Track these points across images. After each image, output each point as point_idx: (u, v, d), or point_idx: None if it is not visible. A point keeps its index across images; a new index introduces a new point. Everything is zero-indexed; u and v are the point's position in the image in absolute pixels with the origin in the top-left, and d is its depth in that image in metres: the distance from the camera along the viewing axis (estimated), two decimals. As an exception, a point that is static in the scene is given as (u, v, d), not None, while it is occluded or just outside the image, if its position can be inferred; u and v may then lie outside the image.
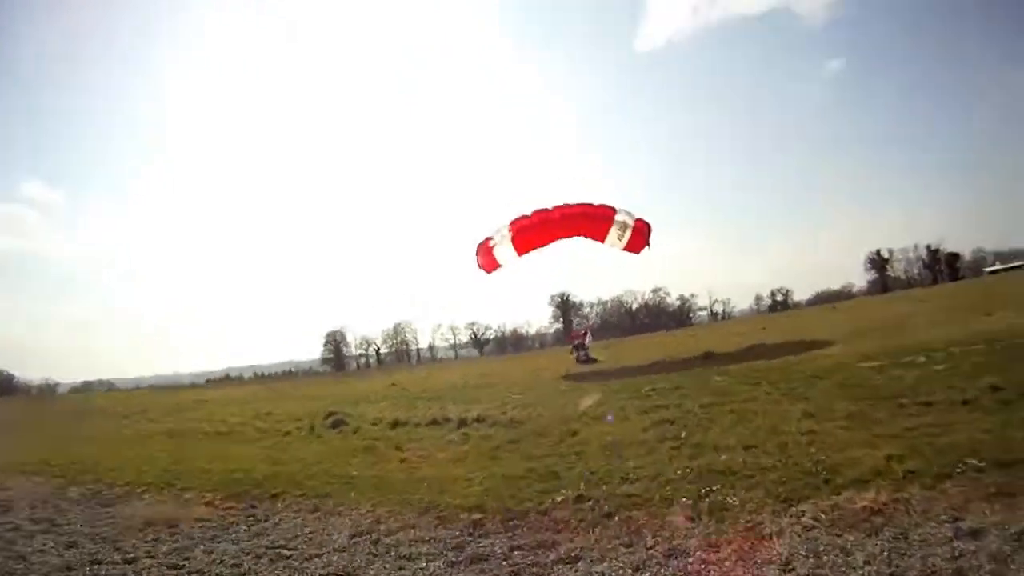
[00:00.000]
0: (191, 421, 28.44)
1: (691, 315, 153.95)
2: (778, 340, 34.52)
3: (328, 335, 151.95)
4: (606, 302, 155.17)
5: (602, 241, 31.65)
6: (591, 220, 31.23)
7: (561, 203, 31.15)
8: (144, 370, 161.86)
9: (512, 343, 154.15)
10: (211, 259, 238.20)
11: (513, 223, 31.51)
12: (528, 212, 31.30)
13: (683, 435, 13.59)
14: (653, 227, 32.37)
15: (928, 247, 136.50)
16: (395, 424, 20.17)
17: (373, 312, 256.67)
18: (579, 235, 31.74)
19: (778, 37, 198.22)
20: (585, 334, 41.21)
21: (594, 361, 37.45)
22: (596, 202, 31.71)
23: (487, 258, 32.68)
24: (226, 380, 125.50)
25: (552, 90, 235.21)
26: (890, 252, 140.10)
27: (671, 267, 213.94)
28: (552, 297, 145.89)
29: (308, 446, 18.85)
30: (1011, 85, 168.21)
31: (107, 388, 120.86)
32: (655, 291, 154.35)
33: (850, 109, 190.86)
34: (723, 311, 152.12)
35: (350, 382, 54.68)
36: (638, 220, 31.50)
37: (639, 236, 31.70)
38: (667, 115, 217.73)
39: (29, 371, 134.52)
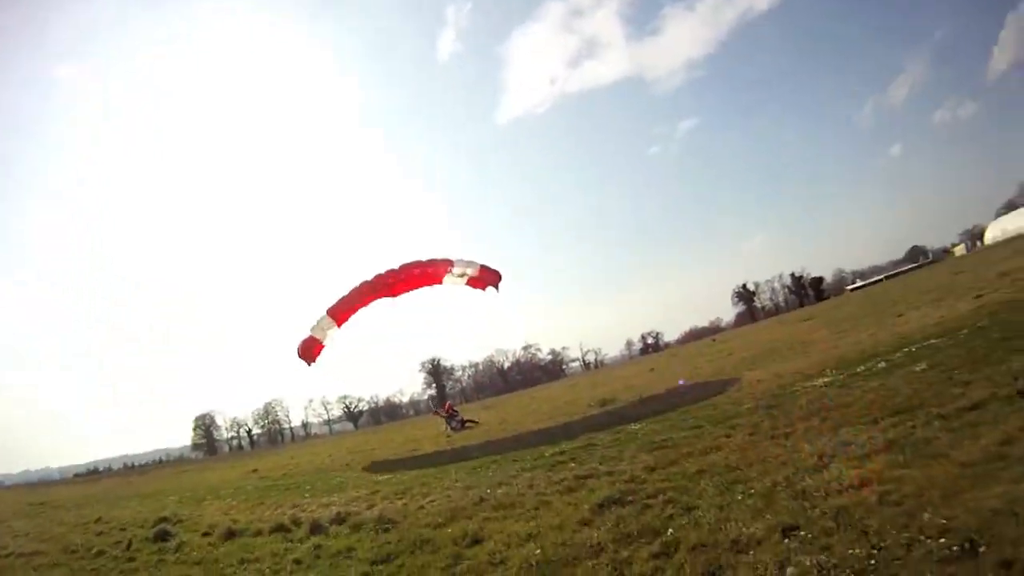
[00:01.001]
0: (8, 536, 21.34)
1: (564, 367, 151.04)
2: (677, 378, 30.90)
3: (197, 419, 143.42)
4: (477, 364, 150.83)
5: (439, 283, 28.09)
6: (426, 274, 27.67)
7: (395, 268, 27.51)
8: (11, 466, 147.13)
9: (386, 413, 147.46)
10: (77, 348, 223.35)
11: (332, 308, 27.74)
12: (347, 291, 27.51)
13: (664, 526, 8.44)
14: (503, 275, 29.14)
15: (792, 275, 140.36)
16: (230, 534, 14.49)
17: (244, 393, 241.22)
18: (413, 288, 27.92)
19: (633, 102, 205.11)
20: (450, 406, 35.34)
21: (474, 424, 32.03)
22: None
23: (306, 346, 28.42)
24: (92, 474, 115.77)
25: (416, 170, 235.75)
26: (756, 284, 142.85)
27: (540, 324, 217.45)
28: (423, 364, 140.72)
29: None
30: (850, 124, 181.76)
31: None
32: (526, 348, 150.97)
33: (704, 161, 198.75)
34: (595, 359, 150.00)
35: (209, 470, 47.44)
36: (481, 267, 28.09)
37: (483, 276, 28.28)
38: (528, 180, 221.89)
39: None
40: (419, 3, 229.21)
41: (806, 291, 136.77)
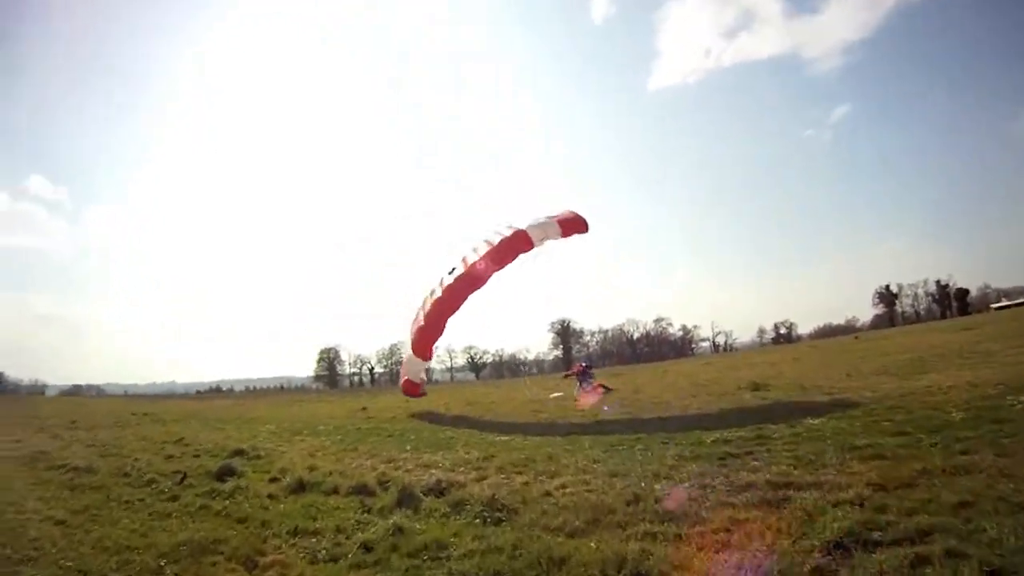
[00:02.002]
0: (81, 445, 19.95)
1: (692, 346, 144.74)
2: (830, 370, 27.74)
3: (322, 352, 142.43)
4: (607, 331, 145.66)
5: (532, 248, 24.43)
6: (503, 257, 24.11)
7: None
8: (139, 377, 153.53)
9: (510, 368, 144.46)
10: (214, 268, 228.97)
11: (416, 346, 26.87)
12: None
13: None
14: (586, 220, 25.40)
15: (938, 282, 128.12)
16: (300, 487, 11.48)
17: (371, 331, 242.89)
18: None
19: (788, 81, 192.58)
20: (584, 366, 30.97)
21: (608, 390, 28.35)
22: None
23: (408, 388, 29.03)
24: (215, 392, 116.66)
25: (560, 126, 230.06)
26: (899, 287, 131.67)
27: (674, 299, 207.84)
28: (552, 324, 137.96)
29: (124, 519, 10.11)
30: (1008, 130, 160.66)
31: (95, 393, 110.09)
32: (657, 321, 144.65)
33: (856, 149, 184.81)
34: (725, 343, 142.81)
35: (322, 402, 45.53)
36: (560, 221, 24.79)
37: (566, 228, 24.75)
38: (676, 152, 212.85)
39: (23, 371, 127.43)
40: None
41: (950, 302, 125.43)
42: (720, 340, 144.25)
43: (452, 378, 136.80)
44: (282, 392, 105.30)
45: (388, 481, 11.26)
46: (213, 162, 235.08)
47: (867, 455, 9.74)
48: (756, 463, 10.12)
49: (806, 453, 10.40)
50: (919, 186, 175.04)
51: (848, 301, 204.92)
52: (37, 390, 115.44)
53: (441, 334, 25.36)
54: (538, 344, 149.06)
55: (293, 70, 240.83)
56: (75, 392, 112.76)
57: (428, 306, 24.96)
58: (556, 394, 29.12)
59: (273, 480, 12.42)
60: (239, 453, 16.15)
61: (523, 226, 23.77)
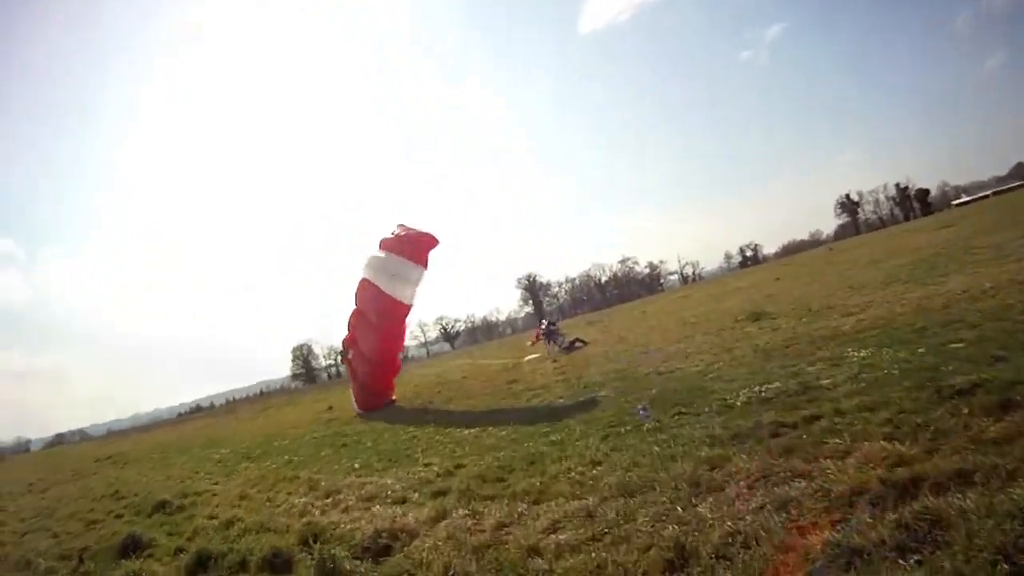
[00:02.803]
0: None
1: (661, 281, 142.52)
2: (825, 287, 25.36)
3: (295, 350, 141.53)
4: (574, 279, 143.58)
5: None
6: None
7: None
8: (121, 412, 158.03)
9: (483, 332, 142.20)
10: (180, 284, 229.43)
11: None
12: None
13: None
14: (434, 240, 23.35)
15: (897, 185, 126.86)
16: (199, 565, 8.13)
17: (338, 320, 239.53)
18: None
19: (717, 5, 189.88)
20: (547, 323, 27.05)
21: (583, 344, 25.04)
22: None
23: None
24: (195, 412, 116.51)
25: (500, 80, 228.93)
26: (860, 195, 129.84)
27: (636, 238, 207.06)
28: (519, 280, 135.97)
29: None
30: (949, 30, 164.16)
31: (79, 439, 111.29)
32: (623, 261, 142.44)
33: (795, 65, 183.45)
34: (693, 273, 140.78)
35: (291, 404, 44.17)
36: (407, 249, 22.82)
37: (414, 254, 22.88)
38: (615, 92, 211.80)
39: (9, 431, 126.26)
40: None
41: (911, 203, 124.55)
42: (688, 271, 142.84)
43: (427, 352, 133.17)
44: (259, 399, 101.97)
45: (317, 534, 7.98)
46: (175, 165, 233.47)
47: (988, 403, 6.25)
48: (837, 441, 6.41)
49: (891, 409, 6.97)
50: (863, 95, 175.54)
51: (808, 216, 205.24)
52: (22, 448, 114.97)
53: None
54: (508, 303, 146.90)
55: (260, 69, 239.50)
56: (58, 442, 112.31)
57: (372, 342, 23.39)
58: (531, 356, 26.29)
59: (178, 552, 9.08)
60: (161, 507, 13.16)
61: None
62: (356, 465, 12.74)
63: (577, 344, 24.86)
